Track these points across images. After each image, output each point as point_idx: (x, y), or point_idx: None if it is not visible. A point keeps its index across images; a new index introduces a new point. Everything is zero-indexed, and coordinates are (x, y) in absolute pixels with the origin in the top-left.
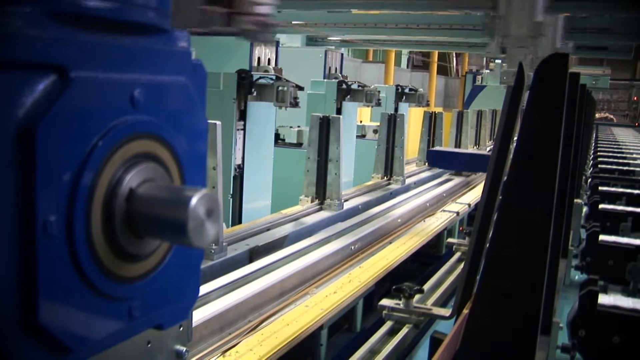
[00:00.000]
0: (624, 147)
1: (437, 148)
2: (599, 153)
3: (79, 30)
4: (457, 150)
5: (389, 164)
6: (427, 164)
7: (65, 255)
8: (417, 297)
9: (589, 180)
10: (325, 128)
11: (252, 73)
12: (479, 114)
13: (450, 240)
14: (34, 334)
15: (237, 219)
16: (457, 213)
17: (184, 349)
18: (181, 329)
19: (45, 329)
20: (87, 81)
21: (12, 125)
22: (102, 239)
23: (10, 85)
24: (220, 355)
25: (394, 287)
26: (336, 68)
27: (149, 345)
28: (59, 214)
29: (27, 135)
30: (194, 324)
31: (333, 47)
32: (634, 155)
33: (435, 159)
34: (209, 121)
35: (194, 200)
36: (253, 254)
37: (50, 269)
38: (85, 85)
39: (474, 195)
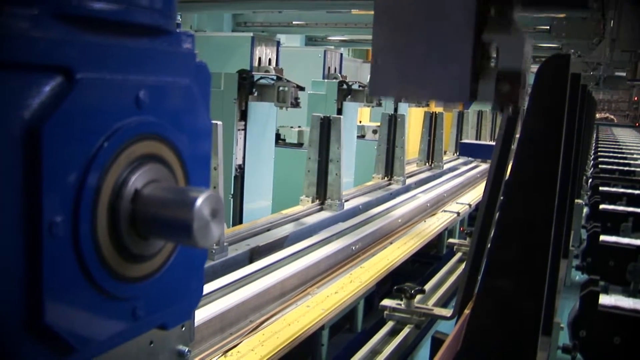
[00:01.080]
0: (624, 147)
1: (466, 141)
2: (599, 153)
3: (84, 32)
4: (484, 142)
5: (390, 164)
6: (427, 163)
7: (71, 256)
8: (418, 297)
9: (590, 180)
10: (326, 128)
11: (253, 73)
12: (480, 114)
13: (451, 240)
14: (40, 335)
15: (238, 219)
16: (458, 213)
17: (186, 349)
18: (183, 329)
19: (51, 329)
20: (93, 83)
21: (18, 127)
22: (107, 239)
23: (16, 87)
24: (222, 355)
25: (395, 287)
26: (335, 68)
27: (152, 345)
28: (65, 215)
29: (33, 137)
30: (195, 324)
31: (332, 47)
32: (635, 156)
33: (466, 150)
34: None
35: (199, 201)
36: (254, 254)
37: (56, 270)
38: (90, 86)
39: (475, 195)
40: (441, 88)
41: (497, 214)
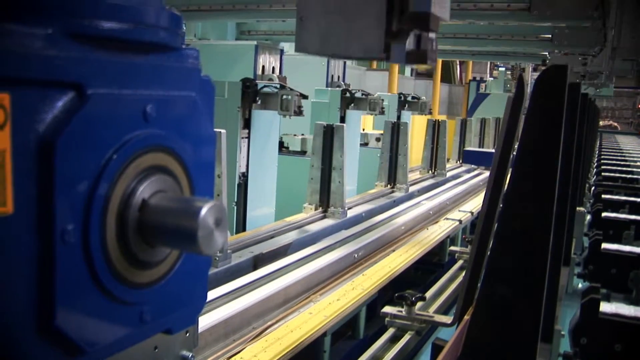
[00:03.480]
0: (627, 155)
1: (470, 148)
2: (602, 161)
3: (95, 49)
4: (487, 150)
5: (393, 172)
6: (430, 171)
7: (81, 262)
8: (419, 304)
9: (593, 188)
10: (329, 136)
11: (256, 82)
12: (483, 122)
13: (452, 248)
14: (51, 337)
15: (242, 226)
16: (460, 221)
17: (190, 354)
18: (187, 334)
19: (62, 332)
20: (103, 98)
21: (33, 140)
22: (116, 246)
23: (32, 103)
24: None
25: (396, 294)
26: (339, 76)
27: (156, 350)
28: (76, 223)
29: (47, 150)
30: (199, 330)
31: None
32: (638, 163)
33: (470, 157)
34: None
35: (203, 211)
36: (257, 262)
37: (67, 275)
38: (101, 101)
39: (477, 203)
40: (358, 44)
41: (497, 222)
